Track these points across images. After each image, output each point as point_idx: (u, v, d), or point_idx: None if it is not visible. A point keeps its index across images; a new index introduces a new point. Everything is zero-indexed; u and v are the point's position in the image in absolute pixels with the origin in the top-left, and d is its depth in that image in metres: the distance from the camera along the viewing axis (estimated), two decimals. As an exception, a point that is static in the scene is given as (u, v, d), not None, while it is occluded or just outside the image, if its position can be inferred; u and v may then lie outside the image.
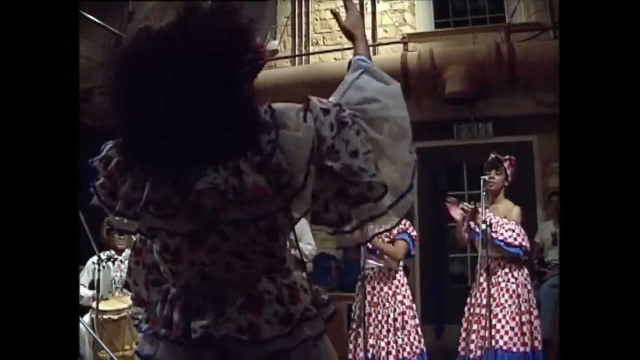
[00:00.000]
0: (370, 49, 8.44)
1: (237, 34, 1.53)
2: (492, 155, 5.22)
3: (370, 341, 5.21)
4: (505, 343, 4.82)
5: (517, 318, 4.89)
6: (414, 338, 5.23)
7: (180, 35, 1.47)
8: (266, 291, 1.56)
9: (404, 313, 5.24)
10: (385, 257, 5.30)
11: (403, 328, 5.21)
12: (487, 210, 4.91)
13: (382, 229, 1.70)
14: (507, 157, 5.18)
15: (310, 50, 8.85)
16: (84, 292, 5.64)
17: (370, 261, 5.35)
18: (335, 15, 2.01)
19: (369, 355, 5.18)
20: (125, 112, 1.52)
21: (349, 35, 1.92)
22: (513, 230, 4.98)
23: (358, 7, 7.58)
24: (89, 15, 6.17)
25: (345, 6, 1.95)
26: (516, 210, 5.13)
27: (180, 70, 1.44)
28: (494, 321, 4.85)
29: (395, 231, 5.30)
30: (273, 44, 8.85)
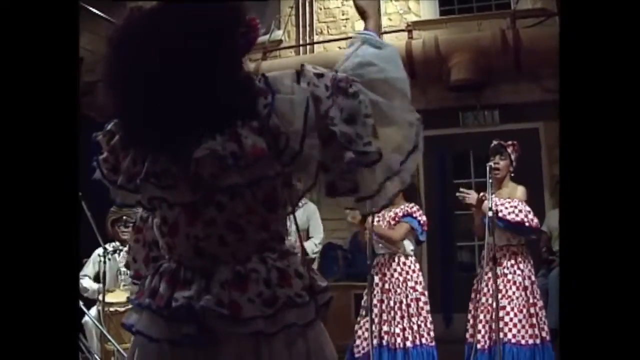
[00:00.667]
0: (375, 37, 8.43)
1: (228, 9, 1.56)
2: (495, 142, 5.20)
3: (384, 328, 5.19)
4: (514, 336, 4.78)
5: (524, 310, 4.87)
6: (430, 325, 5.23)
7: (172, 11, 1.51)
8: (254, 270, 1.55)
9: (418, 300, 5.23)
10: (383, 241, 5.30)
11: (419, 314, 5.19)
12: (494, 196, 4.88)
13: (397, 189, 1.69)
14: (510, 142, 5.15)
15: (315, 40, 8.83)
16: (90, 284, 5.66)
17: (380, 246, 5.35)
18: None
19: (383, 342, 5.16)
20: (121, 88, 1.54)
21: (362, 12, 1.91)
22: (516, 207, 4.93)
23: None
24: (92, 9, 6.17)
25: None
26: (520, 189, 5.10)
27: (173, 44, 1.47)
28: (501, 313, 4.82)
29: (400, 213, 5.29)
30: (277, 34, 8.84)
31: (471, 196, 5.12)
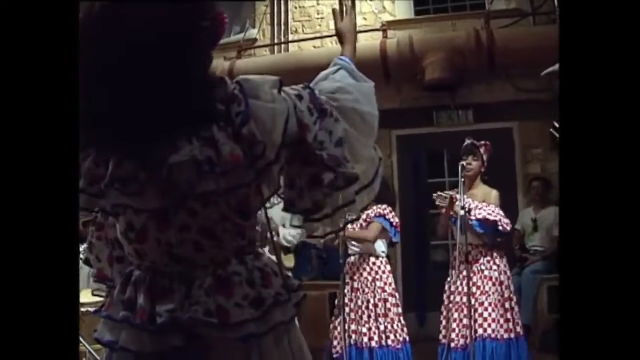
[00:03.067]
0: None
1: (191, 2, 1.50)
2: (468, 141, 5.21)
3: (352, 327, 5.21)
4: (493, 331, 4.83)
5: (499, 305, 4.91)
6: (397, 326, 5.24)
7: (132, 4, 1.44)
8: (235, 273, 1.52)
9: (385, 300, 5.24)
10: (354, 242, 5.32)
11: (386, 315, 5.21)
12: (465, 196, 4.91)
13: (350, 218, 1.71)
14: (482, 142, 5.18)
15: (290, 39, 8.80)
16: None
17: (352, 247, 5.36)
18: (334, 14, 2.02)
19: (351, 342, 5.18)
20: (83, 89, 1.45)
21: (341, 37, 1.95)
22: (493, 211, 4.96)
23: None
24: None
25: (343, 9, 1.96)
26: (494, 193, 5.13)
27: (134, 39, 1.41)
28: (480, 309, 4.86)
29: (372, 214, 5.30)
30: (252, 32, 8.80)
31: (446, 201, 5.16)
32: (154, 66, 1.41)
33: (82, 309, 5.18)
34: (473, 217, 4.88)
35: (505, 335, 4.85)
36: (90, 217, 5.54)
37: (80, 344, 4.86)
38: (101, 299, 5.58)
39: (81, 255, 5.44)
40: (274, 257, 1.74)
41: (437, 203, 5.25)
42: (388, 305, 5.24)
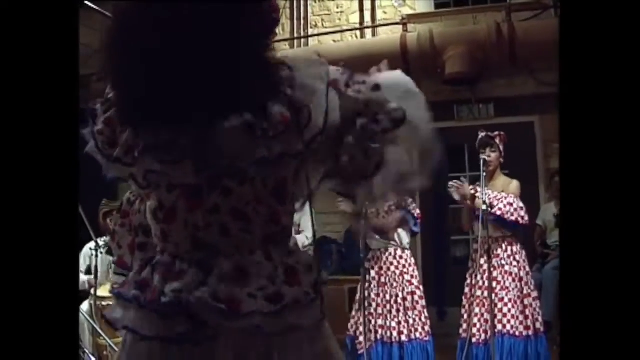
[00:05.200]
0: (370, 30, 8.44)
1: None
2: (482, 134, 5.19)
3: (379, 322, 5.21)
4: (512, 327, 4.81)
5: (518, 302, 4.88)
6: (424, 319, 5.24)
7: None
8: (257, 263, 1.46)
9: (413, 293, 5.25)
10: (378, 235, 5.30)
11: (414, 308, 5.21)
12: (486, 188, 4.88)
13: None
14: (497, 133, 5.16)
15: (309, 33, 8.79)
16: (80, 277, 5.62)
17: (375, 240, 5.35)
18: None
19: (378, 336, 5.17)
20: (136, 67, 1.42)
21: None
22: (511, 205, 4.94)
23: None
24: (87, 2, 6.11)
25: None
26: (514, 183, 5.11)
27: (196, 17, 1.38)
28: (499, 305, 4.84)
29: (393, 206, 5.29)
30: (272, 27, 8.79)
31: (461, 190, 5.12)
32: (211, 41, 1.39)
33: (104, 303, 5.24)
34: (492, 210, 4.86)
35: (524, 333, 4.83)
36: (110, 207, 5.54)
37: (101, 338, 4.90)
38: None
39: (102, 245, 5.43)
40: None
41: (450, 191, 5.22)
42: (415, 298, 5.25)
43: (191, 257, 1.47)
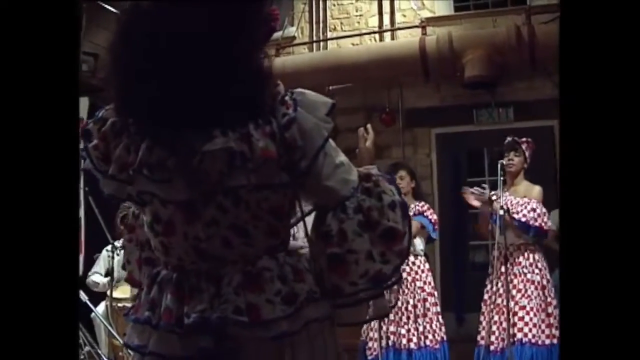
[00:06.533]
0: (389, 33, 8.42)
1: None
2: (509, 138, 5.18)
3: (391, 328, 5.18)
4: (534, 336, 4.76)
5: (541, 310, 4.83)
6: (436, 326, 5.20)
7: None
8: (266, 268, 1.49)
9: (425, 300, 5.21)
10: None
11: (425, 315, 5.18)
12: (507, 193, 4.85)
13: None
14: (524, 139, 5.13)
15: (328, 36, 8.79)
16: (100, 279, 5.66)
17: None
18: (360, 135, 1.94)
19: (389, 343, 5.15)
20: (131, 72, 1.45)
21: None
22: (534, 210, 4.92)
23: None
24: (108, 6, 6.16)
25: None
26: (537, 189, 5.08)
27: (188, 28, 1.41)
28: (520, 313, 4.79)
29: (411, 213, 5.26)
30: (291, 31, 8.81)
31: (473, 196, 5.10)
32: (200, 55, 1.41)
33: (119, 304, 5.26)
34: (516, 216, 4.83)
35: (547, 341, 4.77)
36: (127, 211, 5.58)
37: (116, 340, 4.91)
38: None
39: (118, 247, 5.46)
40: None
41: (465, 197, 5.19)
42: (427, 305, 5.21)
43: (198, 269, 1.49)
